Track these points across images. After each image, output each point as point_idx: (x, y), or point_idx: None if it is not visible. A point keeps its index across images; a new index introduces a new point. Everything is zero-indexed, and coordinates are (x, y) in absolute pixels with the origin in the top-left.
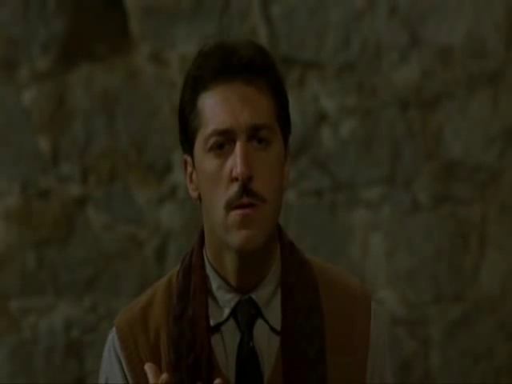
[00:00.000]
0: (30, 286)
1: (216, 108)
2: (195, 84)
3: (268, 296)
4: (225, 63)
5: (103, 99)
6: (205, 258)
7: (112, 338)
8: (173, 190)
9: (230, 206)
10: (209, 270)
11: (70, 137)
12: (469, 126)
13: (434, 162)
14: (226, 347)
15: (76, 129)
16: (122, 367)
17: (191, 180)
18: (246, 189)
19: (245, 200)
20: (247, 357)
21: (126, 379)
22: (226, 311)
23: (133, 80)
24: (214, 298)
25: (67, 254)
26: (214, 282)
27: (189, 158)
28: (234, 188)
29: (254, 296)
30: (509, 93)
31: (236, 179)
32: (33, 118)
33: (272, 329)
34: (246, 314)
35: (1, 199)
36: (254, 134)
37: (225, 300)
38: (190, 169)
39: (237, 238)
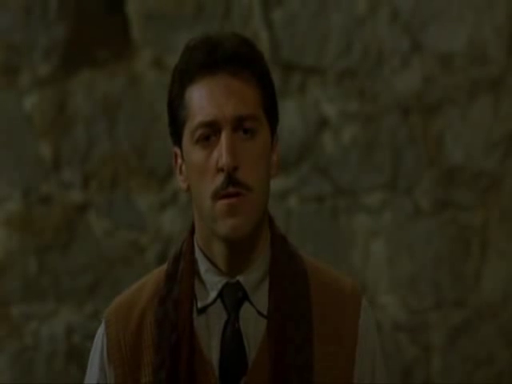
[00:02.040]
0: (32, 292)
1: (202, 100)
2: (182, 78)
3: (256, 281)
4: (210, 56)
5: (104, 105)
6: (195, 244)
7: (101, 326)
8: (174, 195)
9: (217, 195)
10: (198, 255)
11: (72, 142)
12: (470, 132)
13: (436, 168)
14: (210, 329)
15: (77, 134)
16: (102, 353)
17: (181, 172)
18: (231, 179)
19: (231, 190)
20: (232, 337)
21: (104, 368)
22: (213, 293)
23: (134, 86)
24: (202, 282)
25: (68, 259)
26: (203, 266)
27: (178, 150)
28: (220, 178)
29: (241, 279)
30: (510, 99)
31: (222, 170)
32: (34, 124)
33: (259, 313)
34: (233, 296)
35: (2, 205)
36: (240, 125)
37: (212, 282)
38: (179, 161)
39: (224, 227)
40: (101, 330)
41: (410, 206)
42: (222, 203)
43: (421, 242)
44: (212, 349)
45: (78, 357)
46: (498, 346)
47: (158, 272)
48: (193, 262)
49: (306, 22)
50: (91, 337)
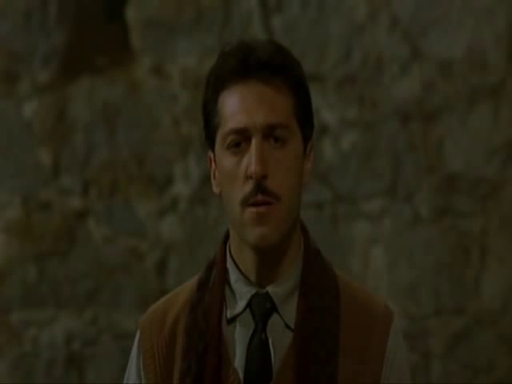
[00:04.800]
0: (31, 299)
1: (233, 107)
2: (215, 83)
3: (285, 293)
4: (243, 63)
5: (104, 112)
6: (227, 252)
7: (137, 333)
8: (173, 202)
9: (246, 203)
10: (229, 263)
11: (71, 149)
12: (470, 139)
13: (435, 175)
14: (237, 338)
15: (77, 141)
16: (139, 360)
17: (214, 176)
18: (260, 187)
19: (259, 198)
20: (258, 347)
21: (140, 374)
22: (242, 303)
23: (133, 92)
24: (232, 291)
25: (68, 266)
26: (233, 275)
27: (212, 155)
28: (249, 186)
29: (270, 290)
30: (509, 106)
31: (251, 177)
32: (34, 131)
33: (287, 325)
34: (261, 307)
35: (2, 212)
36: (270, 133)
37: (242, 292)
38: (213, 165)
39: (252, 235)
40: (137, 337)
41: (409, 212)
42: (250, 211)
43: (420, 248)
44: (238, 357)
45: (77, 363)
46: (497, 353)
47: (193, 280)
48: (224, 271)
49: (306, 28)
50: (91, 343)
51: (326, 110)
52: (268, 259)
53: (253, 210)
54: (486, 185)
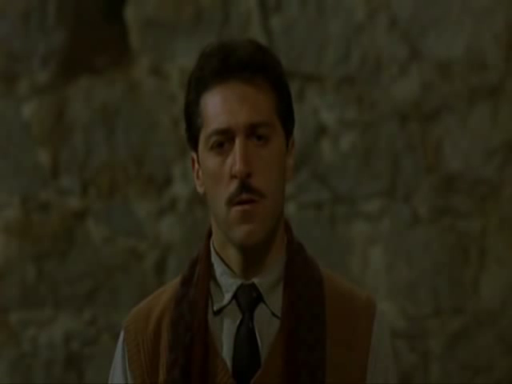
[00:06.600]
0: (30, 299)
1: (216, 108)
2: (197, 85)
3: (270, 283)
4: (224, 63)
5: (103, 112)
6: (211, 248)
7: (121, 332)
8: (173, 202)
9: (231, 202)
10: (214, 258)
11: (70, 150)
12: (469, 139)
13: (434, 175)
14: (225, 328)
15: (76, 142)
16: (124, 360)
17: (198, 176)
18: (245, 186)
19: (244, 196)
20: (245, 336)
21: (126, 373)
22: (229, 295)
23: (133, 93)
24: (218, 285)
25: (67, 266)
26: (218, 269)
27: (195, 156)
28: (234, 185)
29: (256, 281)
30: (509, 106)
31: (235, 176)
32: (33, 131)
33: (273, 314)
34: (248, 297)
35: (1, 212)
36: (253, 132)
37: (228, 285)
38: (196, 166)
39: (238, 233)
40: (121, 336)
41: (408, 213)
42: (236, 210)
43: (419, 249)
44: (226, 347)
45: (76, 363)
46: (496, 353)
47: (176, 279)
48: (209, 266)
49: (305, 29)
50: (89, 343)
51: (324, 110)
52: (253, 255)
53: (238, 208)
54: (485, 185)
